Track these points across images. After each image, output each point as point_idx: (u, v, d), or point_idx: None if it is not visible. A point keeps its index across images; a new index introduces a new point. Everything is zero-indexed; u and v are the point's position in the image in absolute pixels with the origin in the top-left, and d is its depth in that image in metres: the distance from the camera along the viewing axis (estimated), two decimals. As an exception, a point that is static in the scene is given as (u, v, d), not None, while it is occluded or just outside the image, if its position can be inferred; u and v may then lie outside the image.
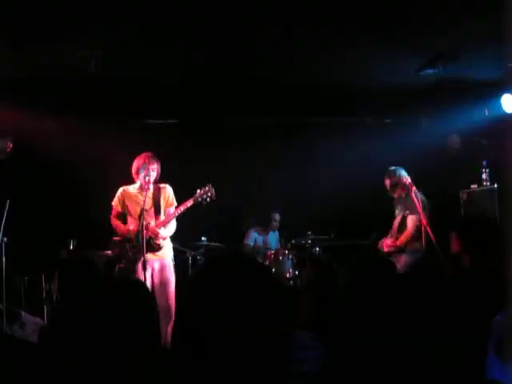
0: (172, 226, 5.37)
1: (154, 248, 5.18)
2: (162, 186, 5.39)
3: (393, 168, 6.03)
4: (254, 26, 5.24)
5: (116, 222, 5.40)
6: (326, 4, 4.80)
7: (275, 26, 5.25)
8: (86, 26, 5.09)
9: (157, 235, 5.18)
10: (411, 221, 5.81)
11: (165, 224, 5.27)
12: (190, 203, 5.20)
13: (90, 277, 3.41)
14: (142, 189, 5.28)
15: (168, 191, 5.38)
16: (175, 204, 5.38)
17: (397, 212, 6.06)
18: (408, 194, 5.74)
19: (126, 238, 5.25)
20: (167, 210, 5.36)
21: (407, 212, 5.87)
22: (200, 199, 5.19)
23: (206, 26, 5.21)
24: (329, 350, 1.84)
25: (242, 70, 6.41)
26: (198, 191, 5.21)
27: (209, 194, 5.19)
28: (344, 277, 2.49)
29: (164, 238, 5.27)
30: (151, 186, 5.33)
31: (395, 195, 6.02)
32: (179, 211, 5.23)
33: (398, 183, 5.93)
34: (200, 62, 6.14)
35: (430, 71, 6.17)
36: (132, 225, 5.27)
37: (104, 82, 6.24)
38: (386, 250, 5.90)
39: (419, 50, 5.91)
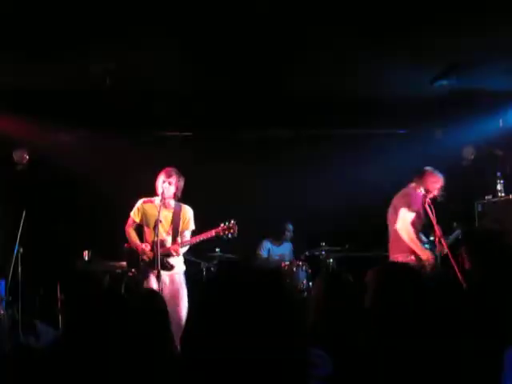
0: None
1: (167, 267, 5.15)
2: (184, 206, 5.37)
3: None
4: (266, 39, 5.27)
5: (130, 233, 5.37)
6: (338, 15, 4.83)
7: (288, 38, 5.28)
8: (101, 40, 5.16)
9: (177, 251, 5.16)
10: None
11: (182, 246, 5.25)
12: (212, 234, 5.16)
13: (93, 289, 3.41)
14: (163, 203, 5.22)
15: (188, 214, 5.34)
16: (192, 227, 5.34)
17: None
18: None
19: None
20: (183, 232, 5.32)
21: None
22: (222, 233, 5.16)
23: (217, 39, 5.26)
24: (337, 365, 1.82)
25: (256, 82, 6.44)
26: (222, 225, 5.16)
27: (231, 231, 5.16)
28: (370, 284, 2.46)
29: (178, 255, 5.26)
30: (173, 203, 5.31)
31: None
32: (200, 239, 5.20)
33: None
34: (214, 73, 6.17)
35: (444, 82, 6.15)
36: (147, 243, 5.24)
37: (119, 94, 6.30)
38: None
39: (433, 62, 5.90)
